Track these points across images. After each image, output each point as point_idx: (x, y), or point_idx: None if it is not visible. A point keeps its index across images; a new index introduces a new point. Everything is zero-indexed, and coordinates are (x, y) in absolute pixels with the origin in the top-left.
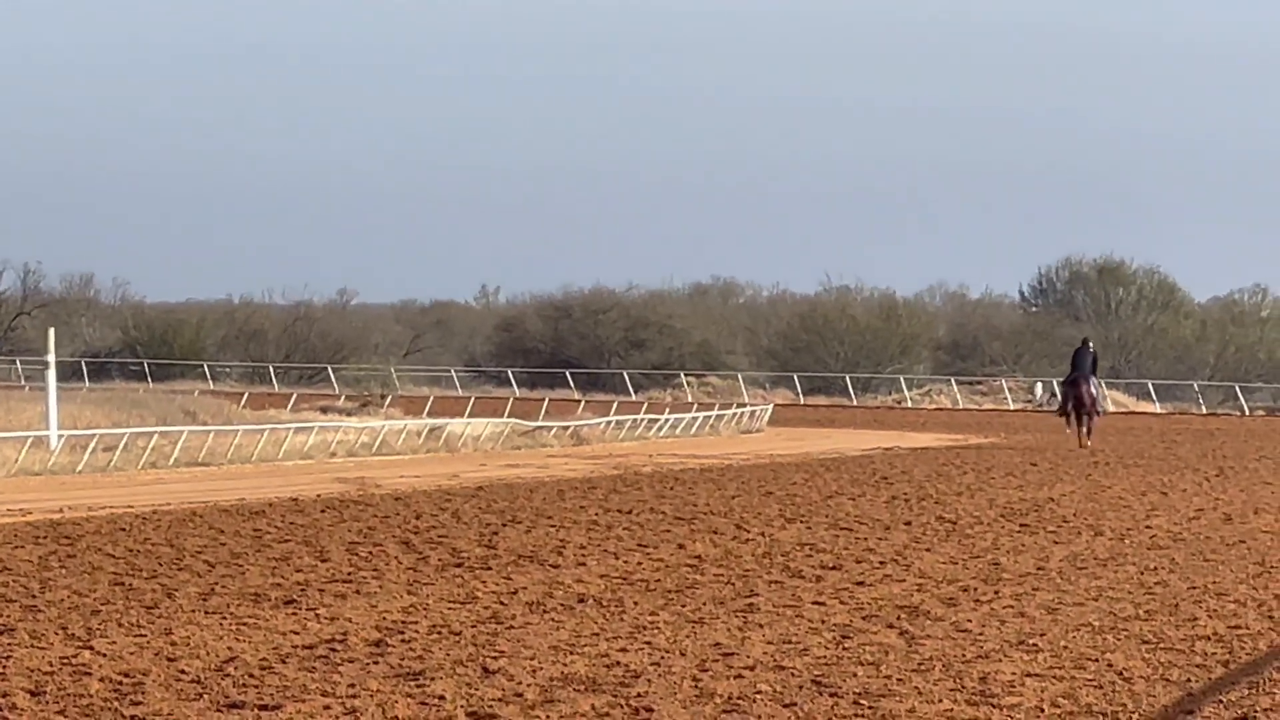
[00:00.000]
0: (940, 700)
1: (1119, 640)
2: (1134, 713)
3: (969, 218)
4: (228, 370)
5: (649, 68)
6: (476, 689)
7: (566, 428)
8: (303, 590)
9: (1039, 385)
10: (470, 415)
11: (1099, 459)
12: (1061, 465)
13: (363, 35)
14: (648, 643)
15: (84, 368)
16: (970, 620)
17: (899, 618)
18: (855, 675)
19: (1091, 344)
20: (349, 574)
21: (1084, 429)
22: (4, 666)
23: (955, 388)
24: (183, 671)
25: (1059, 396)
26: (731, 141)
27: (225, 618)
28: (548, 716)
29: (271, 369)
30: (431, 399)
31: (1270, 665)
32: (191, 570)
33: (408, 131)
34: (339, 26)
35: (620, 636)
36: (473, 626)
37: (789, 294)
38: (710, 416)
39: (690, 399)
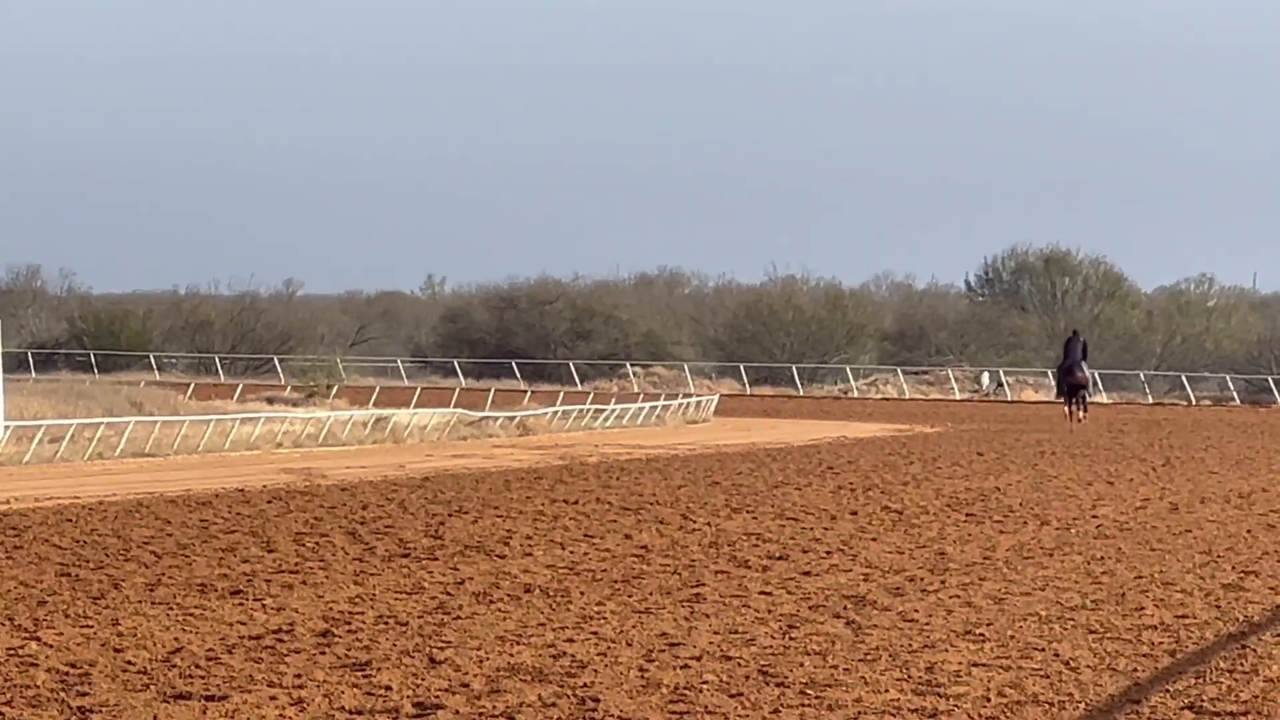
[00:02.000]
0: (887, 690)
1: (1065, 630)
2: (1081, 702)
3: (915, 208)
4: (174, 361)
5: (596, 59)
6: (423, 679)
7: (513, 418)
8: (249, 580)
9: (985, 375)
10: (416, 406)
11: (1061, 441)
12: (1008, 455)
13: (311, 27)
14: (594, 633)
15: (30, 359)
16: (917, 610)
17: (845, 607)
18: (802, 665)
19: (1081, 334)
20: (295, 564)
21: (1080, 408)
22: None
23: (901, 377)
24: (129, 662)
25: (1055, 383)
26: (678, 132)
27: (172, 608)
28: (494, 707)
29: (218, 360)
30: (378, 389)
31: (1217, 654)
32: (138, 561)
33: (354, 123)
34: (287, 18)
35: (567, 626)
36: (419, 617)
37: (735, 284)
38: (656, 407)
39: (636, 389)
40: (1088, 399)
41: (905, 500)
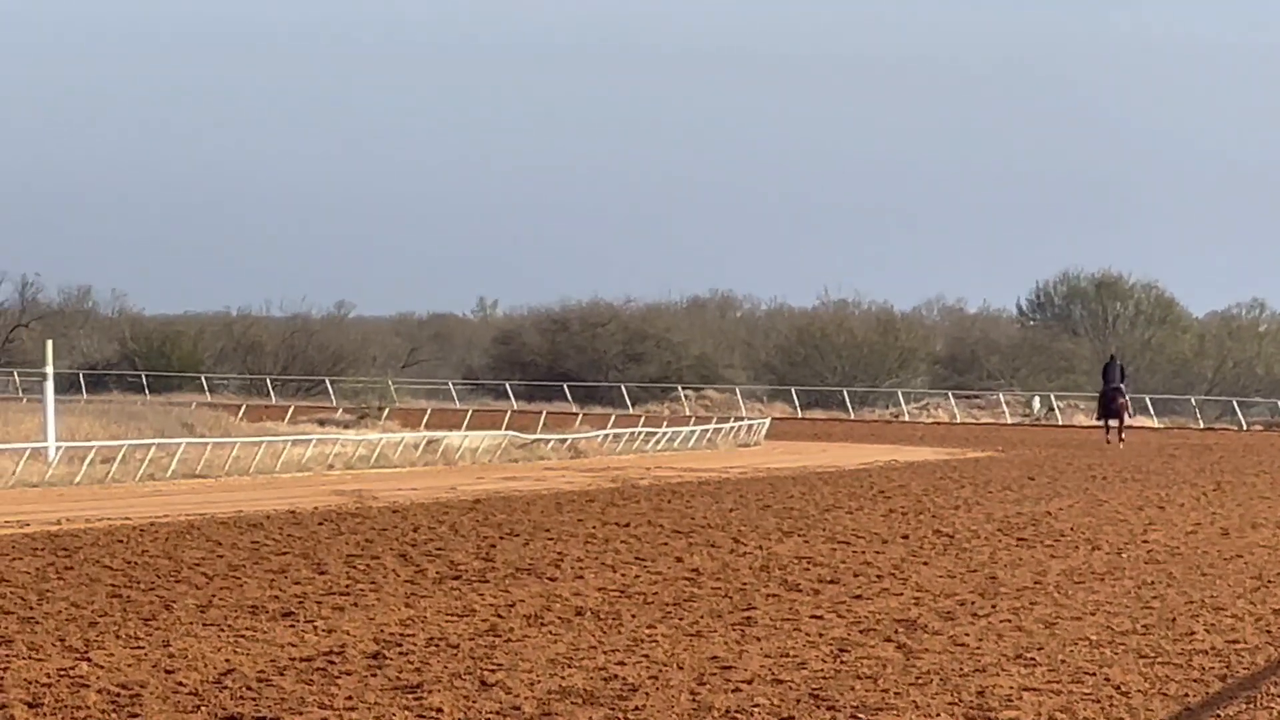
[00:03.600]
0: (938, 714)
1: (1116, 654)
2: None
3: (967, 232)
4: (225, 382)
5: (649, 80)
6: (474, 702)
7: (564, 440)
8: (300, 602)
9: (1036, 399)
10: (468, 428)
11: (1112, 466)
12: (1059, 479)
13: (362, 49)
14: (645, 656)
15: (82, 380)
16: (968, 634)
17: (896, 631)
18: (853, 689)
19: (1119, 358)
20: (347, 586)
21: (1119, 428)
22: (2, 678)
23: (953, 402)
24: (180, 683)
25: (1099, 407)
26: (731, 155)
27: (223, 630)
28: None
29: (269, 381)
30: (429, 411)
31: (1267, 680)
32: (189, 582)
33: (407, 144)
34: (338, 39)
35: (618, 650)
36: (470, 639)
37: (787, 308)
38: (708, 430)
39: (688, 412)
40: (1125, 421)
41: (956, 524)
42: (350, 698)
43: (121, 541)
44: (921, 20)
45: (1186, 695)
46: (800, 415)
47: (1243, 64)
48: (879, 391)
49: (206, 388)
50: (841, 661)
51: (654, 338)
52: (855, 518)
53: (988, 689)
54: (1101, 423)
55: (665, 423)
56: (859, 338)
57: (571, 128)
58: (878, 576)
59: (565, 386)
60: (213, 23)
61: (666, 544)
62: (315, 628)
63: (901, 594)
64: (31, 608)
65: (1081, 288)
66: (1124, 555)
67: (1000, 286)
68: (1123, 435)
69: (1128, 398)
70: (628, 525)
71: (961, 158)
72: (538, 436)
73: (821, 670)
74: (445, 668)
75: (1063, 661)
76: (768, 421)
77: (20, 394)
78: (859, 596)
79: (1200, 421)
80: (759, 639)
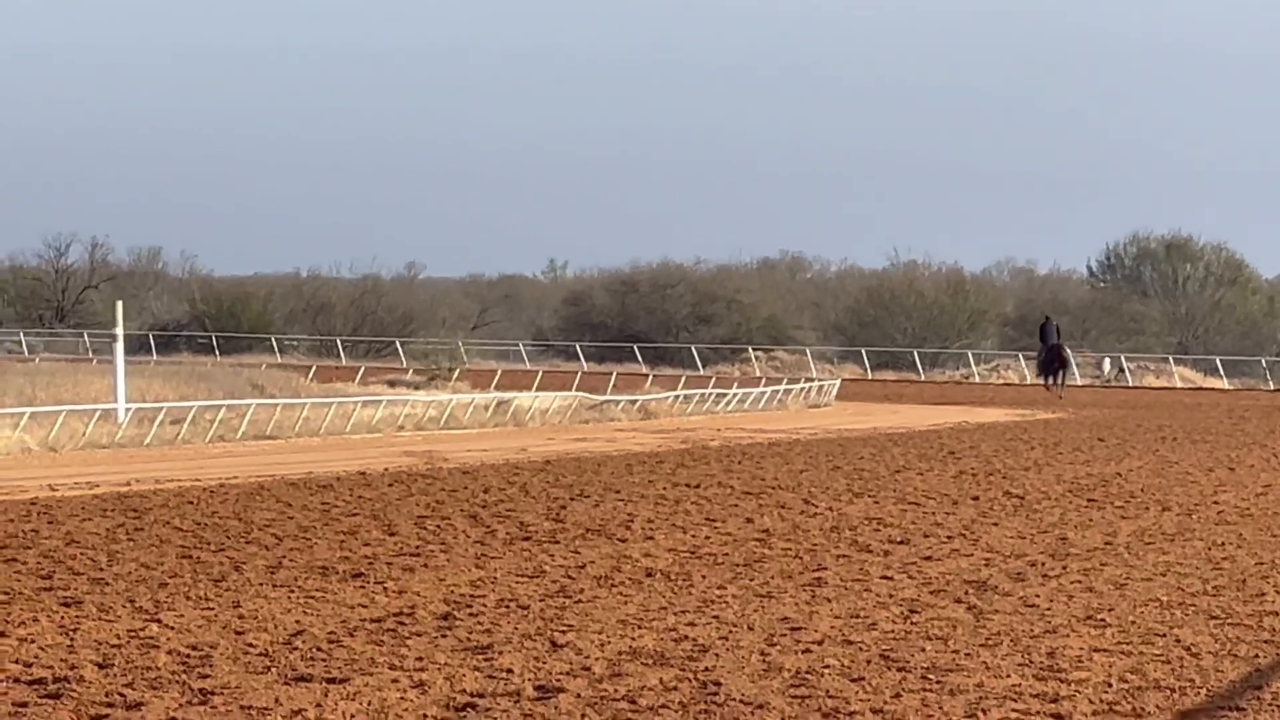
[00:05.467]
0: (1008, 675)
1: (1187, 615)
2: (1201, 688)
3: (1038, 193)
4: (295, 343)
5: (719, 43)
6: (544, 662)
7: (634, 402)
8: (370, 563)
9: (1106, 361)
10: (538, 389)
11: (1182, 427)
12: (1129, 440)
13: (430, 14)
14: (715, 617)
15: (151, 341)
16: (1038, 595)
17: (967, 592)
18: (923, 650)
19: (1053, 319)
20: (417, 547)
21: (1062, 382)
22: (72, 639)
23: (1023, 363)
24: (250, 644)
25: (1040, 362)
26: (799, 117)
27: (293, 591)
28: (615, 690)
29: (339, 342)
30: (499, 373)
31: None
32: (259, 543)
33: (476, 107)
34: (406, 5)
35: (688, 610)
36: (540, 600)
37: (857, 269)
38: (778, 391)
39: (758, 373)
40: (1066, 378)
41: (1026, 485)
42: (420, 659)
43: (191, 503)
44: None
45: (1257, 656)
46: (870, 376)
47: None
48: (949, 353)
49: (276, 349)
50: (912, 623)
51: (724, 299)
52: (925, 479)
53: (1058, 650)
54: (1042, 379)
55: (735, 384)
56: (929, 299)
57: (642, 88)
58: (948, 537)
59: (635, 348)
60: None
61: (737, 505)
62: (385, 589)
63: (972, 555)
64: (101, 569)
65: (1151, 249)
66: (1194, 516)
67: (1070, 248)
68: (1063, 387)
69: (1069, 352)
70: (698, 486)
71: (1032, 118)
72: (608, 398)
73: (892, 631)
74: (515, 628)
75: (1133, 623)
76: (838, 382)
77: (90, 355)
78: (929, 557)
79: (1270, 383)
80: (829, 600)
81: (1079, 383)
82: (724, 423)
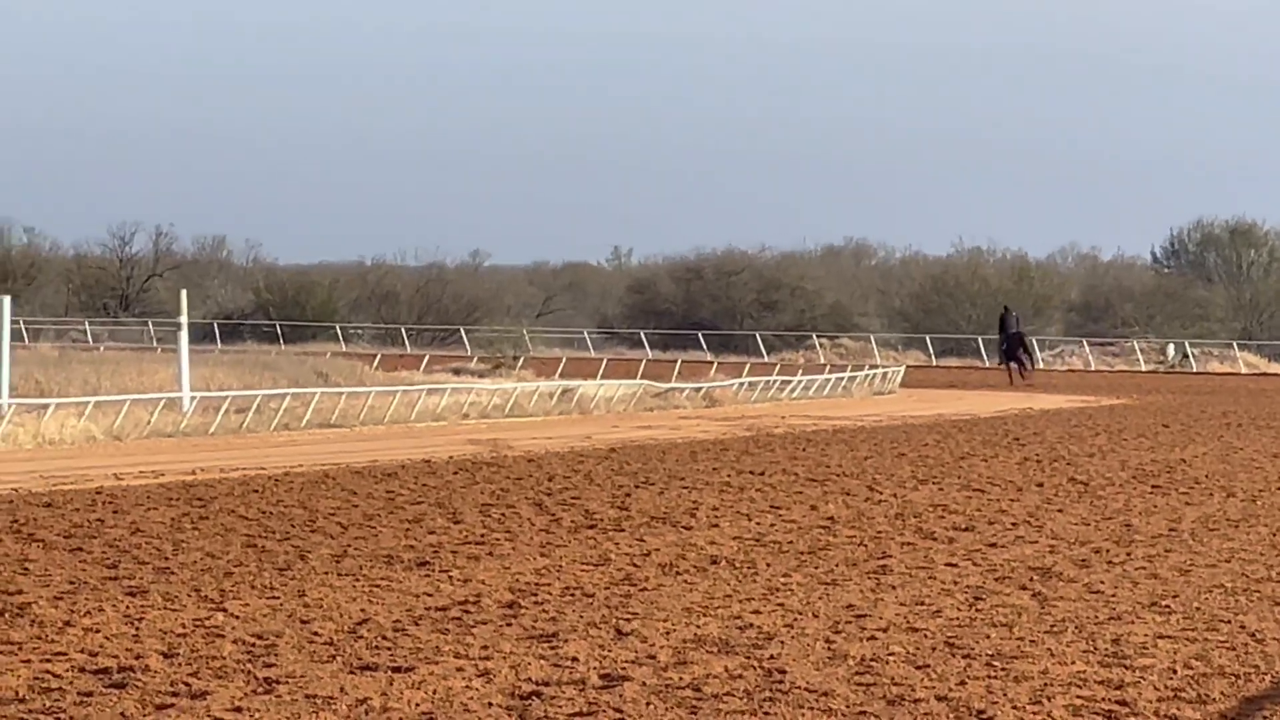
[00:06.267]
0: (1073, 662)
1: (1252, 602)
2: (1267, 674)
3: (1101, 180)
4: (360, 332)
5: (784, 30)
6: (609, 651)
7: (699, 389)
8: (436, 552)
9: (1171, 347)
10: (603, 377)
11: (1247, 413)
12: (1193, 427)
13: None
14: (780, 604)
15: (216, 330)
16: (1103, 582)
17: (1031, 579)
18: (988, 637)
19: (1013, 310)
20: (482, 536)
21: (1027, 368)
22: (137, 628)
23: (1087, 349)
24: (316, 633)
25: (1004, 350)
26: (865, 104)
27: (358, 579)
28: (681, 678)
29: (404, 330)
30: (564, 361)
31: None
32: (324, 532)
33: (540, 95)
34: None
35: (753, 598)
36: (606, 588)
37: (921, 256)
38: (843, 378)
39: (823, 360)
40: (1029, 365)
41: (1091, 472)
42: (485, 647)
43: (256, 491)
44: None
45: None
46: (935, 363)
47: None
48: None
49: (341, 337)
50: (976, 609)
51: (788, 286)
52: (990, 465)
53: (1123, 637)
54: (1007, 364)
55: (800, 371)
56: (993, 285)
57: (707, 79)
58: (1012, 524)
59: (700, 335)
60: None
61: (801, 492)
62: (450, 577)
63: (1036, 542)
64: (167, 558)
65: (1216, 235)
66: (1259, 502)
67: (1134, 234)
68: (1025, 374)
69: (1031, 339)
70: (763, 473)
71: (1095, 106)
72: (672, 385)
73: (956, 618)
74: (580, 616)
75: (1198, 609)
76: (903, 369)
77: (155, 344)
78: (994, 544)
79: None
80: (894, 587)
81: (1142, 368)
82: (788, 410)
